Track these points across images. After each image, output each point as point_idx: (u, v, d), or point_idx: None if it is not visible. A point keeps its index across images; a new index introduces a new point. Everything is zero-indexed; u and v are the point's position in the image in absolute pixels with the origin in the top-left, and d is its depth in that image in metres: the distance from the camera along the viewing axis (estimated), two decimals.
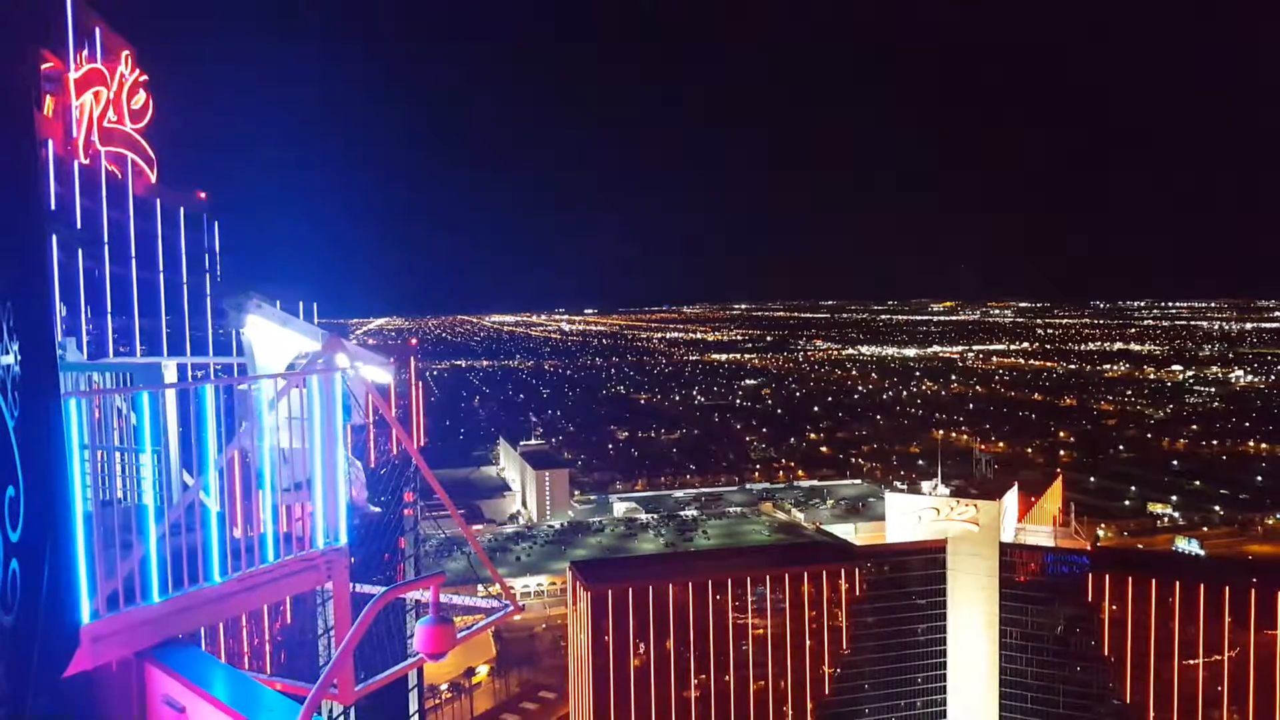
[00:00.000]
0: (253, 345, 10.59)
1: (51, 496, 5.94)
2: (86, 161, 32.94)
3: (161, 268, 41.10)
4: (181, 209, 42.51)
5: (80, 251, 34.37)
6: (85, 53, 32.12)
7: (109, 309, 36.65)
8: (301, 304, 58.20)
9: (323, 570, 8.39)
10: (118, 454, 8.87)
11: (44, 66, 30.42)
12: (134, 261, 38.76)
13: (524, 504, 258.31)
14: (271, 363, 10.36)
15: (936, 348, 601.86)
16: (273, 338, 10.62)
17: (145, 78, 34.01)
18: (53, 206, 30.68)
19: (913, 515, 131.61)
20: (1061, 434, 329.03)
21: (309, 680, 7.23)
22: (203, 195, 44.68)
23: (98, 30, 32.94)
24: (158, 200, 40.24)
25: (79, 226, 33.88)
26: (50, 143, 30.97)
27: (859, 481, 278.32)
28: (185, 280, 42.78)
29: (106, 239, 36.50)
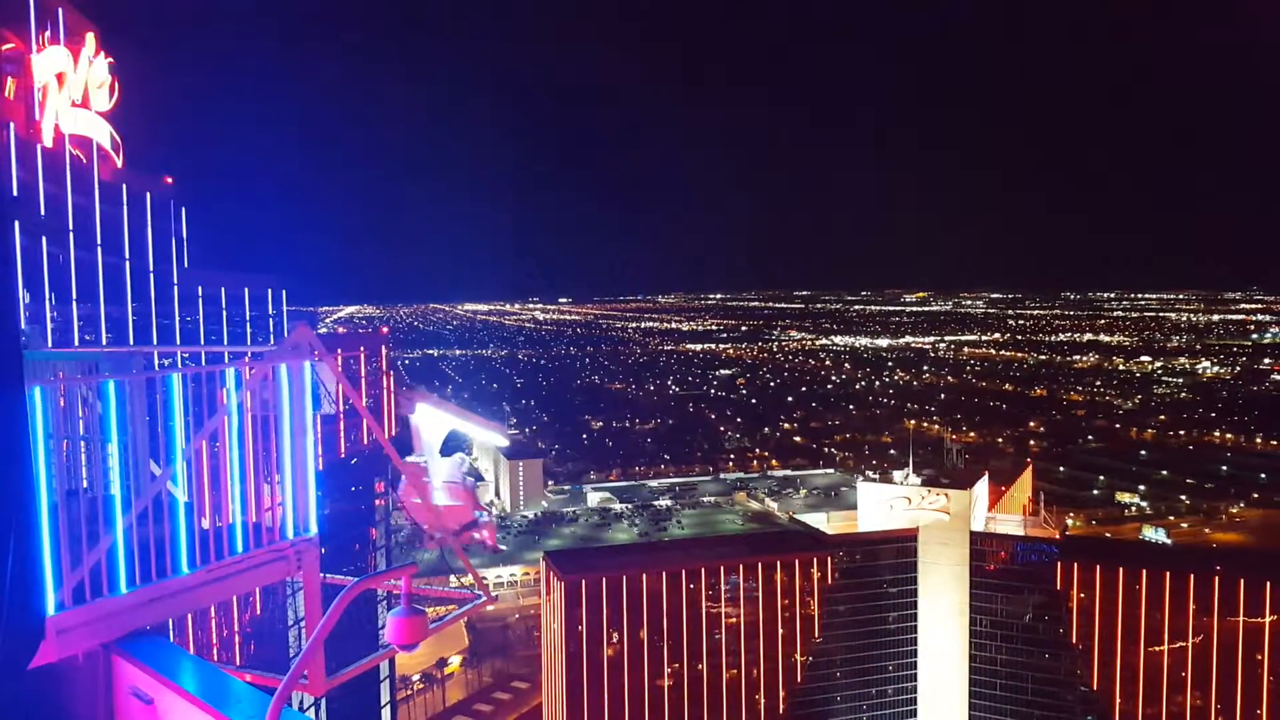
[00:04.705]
0: (420, 427, 12.48)
1: (15, 487, 5.84)
2: (50, 145, 32.39)
3: (128, 254, 40.57)
4: (148, 194, 41.95)
5: (44, 237, 33.84)
6: (48, 33, 31.54)
7: (74, 296, 36.14)
8: (270, 291, 57.77)
9: (293, 561, 8.31)
10: (83, 444, 8.73)
11: (4, 47, 29.85)
12: (100, 248, 38.23)
13: (497, 494, 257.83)
14: (433, 440, 12.18)
15: (909, 338, 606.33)
16: (436, 422, 12.41)
17: (110, 60, 33.45)
18: (15, 191, 30.16)
19: (884, 504, 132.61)
20: (1031, 424, 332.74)
21: (279, 671, 7.16)
22: (169, 181, 44.11)
23: (60, 10, 32.36)
24: (124, 186, 39.67)
25: (42, 212, 33.34)
26: (12, 126, 30.42)
27: (831, 471, 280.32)
28: (152, 267, 42.28)
29: (71, 225, 35.95)
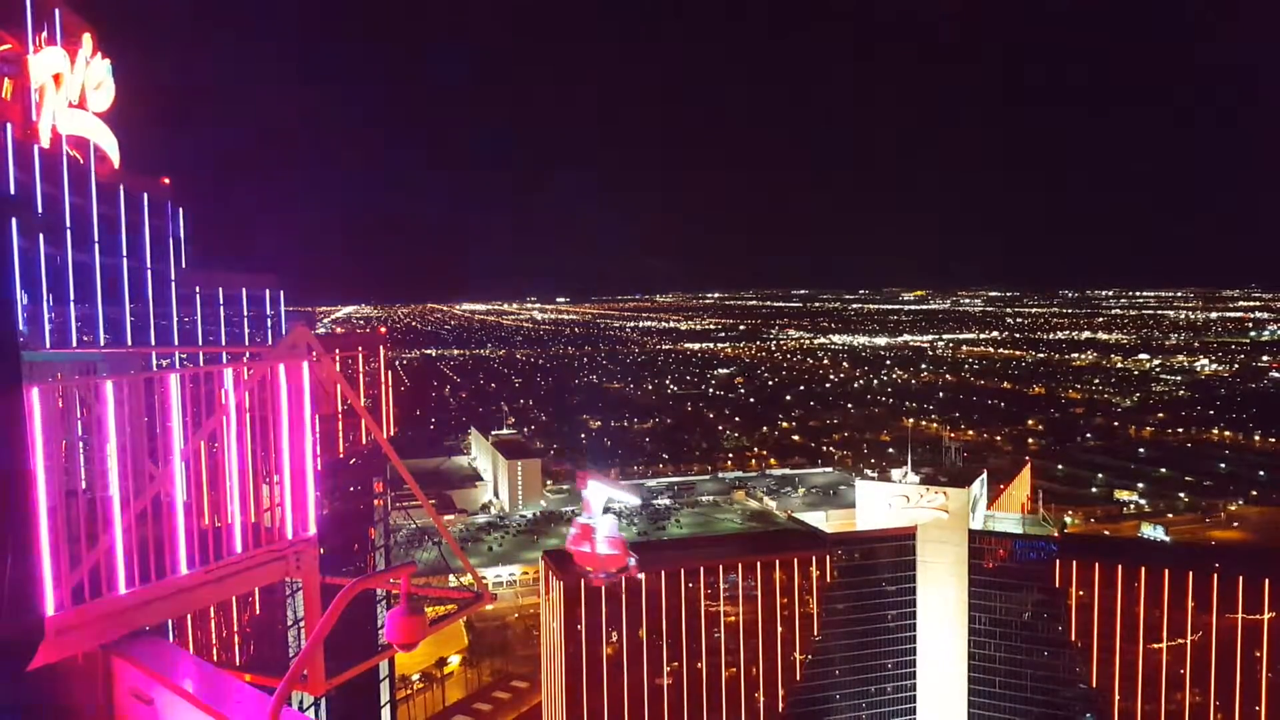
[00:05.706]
0: (590, 498, 19.33)
1: (14, 487, 5.83)
2: (47, 147, 32.36)
3: (125, 254, 40.51)
4: (145, 195, 41.88)
5: (41, 238, 33.80)
6: (44, 34, 31.49)
7: (72, 297, 36.09)
8: (268, 291, 57.65)
9: (291, 561, 8.31)
10: (82, 444, 8.73)
11: (1, 48, 29.82)
12: (97, 248, 38.17)
13: (496, 494, 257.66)
14: (597, 506, 19.27)
15: (907, 337, 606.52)
16: (600, 493, 19.18)
17: (107, 61, 33.41)
18: (12, 191, 30.14)
19: (883, 502, 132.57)
20: (1030, 422, 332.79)
21: (278, 672, 7.16)
22: (167, 181, 44.03)
23: (57, 11, 32.32)
24: (121, 186, 39.61)
25: (40, 212, 33.31)
26: (9, 126, 30.39)
27: (830, 469, 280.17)
28: (150, 267, 42.22)
29: (69, 225, 35.91)
